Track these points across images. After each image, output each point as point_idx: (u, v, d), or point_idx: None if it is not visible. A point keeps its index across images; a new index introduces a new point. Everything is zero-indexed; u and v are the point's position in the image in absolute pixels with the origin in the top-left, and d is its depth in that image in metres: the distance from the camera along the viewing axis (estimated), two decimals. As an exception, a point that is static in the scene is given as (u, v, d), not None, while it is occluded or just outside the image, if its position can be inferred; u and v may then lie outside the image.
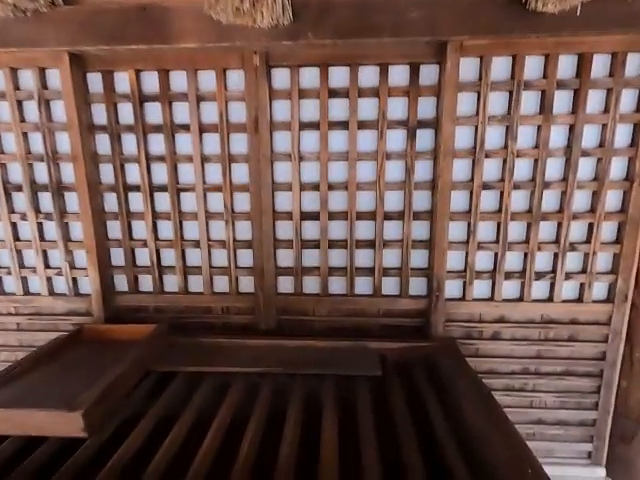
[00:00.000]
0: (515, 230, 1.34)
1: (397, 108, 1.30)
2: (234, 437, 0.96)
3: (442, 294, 1.37)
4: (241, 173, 1.38)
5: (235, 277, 1.46)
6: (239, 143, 1.36)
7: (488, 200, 1.32)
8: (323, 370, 1.22)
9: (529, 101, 1.25)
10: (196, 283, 1.48)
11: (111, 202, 1.44)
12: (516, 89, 1.22)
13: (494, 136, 1.28)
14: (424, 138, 1.31)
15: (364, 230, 1.39)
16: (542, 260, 1.35)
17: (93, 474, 0.83)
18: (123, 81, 1.34)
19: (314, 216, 1.39)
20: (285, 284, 1.46)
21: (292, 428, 0.98)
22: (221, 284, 1.48)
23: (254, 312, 1.47)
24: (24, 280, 1.50)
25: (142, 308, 1.51)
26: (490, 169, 1.30)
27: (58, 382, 1.10)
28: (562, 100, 1.24)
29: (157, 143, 1.38)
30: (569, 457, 1.48)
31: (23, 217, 1.43)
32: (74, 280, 1.48)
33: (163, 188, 1.40)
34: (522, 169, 1.29)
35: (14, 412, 0.92)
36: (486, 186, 1.30)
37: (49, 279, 1.49)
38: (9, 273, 1.48)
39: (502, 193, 1.30)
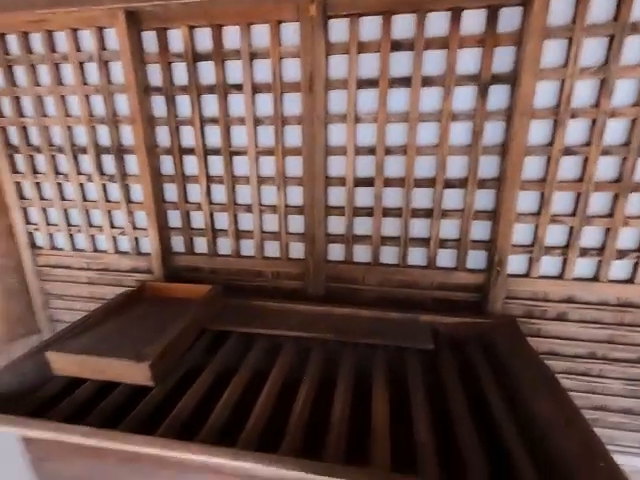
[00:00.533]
0: (598, 201, 1.18)
1: (468, 61, 1.15)
2: (287, 397, 0.99)
3: (504, 269, 1.27)
4: (294, 136, 1.33)
5: (286, 242, 1.45)
6: (292, 104, 1.30)
7: (568, 167, 1.17)
8: (374, 340, 1.20)
9: (633, 48, 1.04)
10: (248, 247, 1.50)
11: (167, 165, 1.46)
12: (619, 33, 1.02)
13: (584, 92, 1.10)
14: (497, 96, 1.16)
15: (421, 198, 1.31)
16: (627, 237, 1.20)
17: (158, 422, 0.90)
18: (177, 40, 1.31)
19: (368, 182, 1.32)
20: (335, 251, 1.43)
21: (343, 394, 0.99)
22: (272, 249, 1.49)
23: (304, 278, 1.47)
24: (92, 238, 1.60)
25: (197, 269, 1.57)
26: (575, 131, 1.14)
27: (126, 333, 1.18)
28: (678, 46, 1.03)
29: (210, 104, 1.35)
30: (632, 447, 1.38)
31: (89, 178, 1.51)
32: (136, 240, 1.57)
33: (216, 151, 1.40)
34: (615, 131, 1.11)
35: (90, 359, 1.01)
36: (568, 151, 1.15)
37: (114, 238, 1.58)
38: (79, 231, 1.59)
39: (587, 159, 1.14)
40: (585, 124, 1.13)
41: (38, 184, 1.57)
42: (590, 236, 1.22)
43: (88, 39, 1.34)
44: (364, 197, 1.35)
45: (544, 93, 1.12)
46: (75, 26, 1.32)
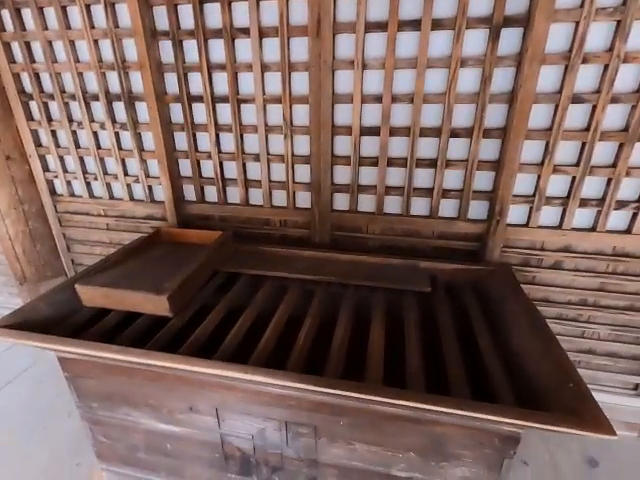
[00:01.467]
0: (602, 152, 1.19)
1: (481, 1, 1.12)
2: (292, 328, 1.09)
3: (504, 219, 1.31)
4: (301, 83, 1.33)
5: (293, 192, 1.50)
6: (300, 49, 1.28)
7: (575, 115, 1.17)
8: (374, 282, 1.28)
9: (656, -14, 1.00)
10: (256, 196, 1.56)
11: (177, 113, 1.49)
12: (641, -31, 0.98)
13: (598, 35, 1.07)
14: (509, 40, 1.13)
15: (426, 148, 1.32)
16: (628, 187, 1.21)
17: (177, 346, 1.01)
18: (182, -21, 1.28)
19: (374, 131, 1.33)
20: (341, 201, 1.48)
21: (344, 326, 1.08)
22: (279, 198, 1.54)
23: (309, 226, 1.53)
24: (108, 186, 1.67)
25: (208, 217, 1.64)
26: (585, 78, 1.12)
27: (145, 271, 1.28)
28: (703, -17, 0.98)
29: (218, 50, 1.35)
30: (613, 387, 1.49)
31: (102, 126, 1.55)
32: (149, 188, 1.63)
33: (224, 99, 1.41)
34: (627, 78, 1.09)
35: (115, 291, 1.12)
36: (576, 99, 1.14)
37: (129, 186, 1.65)
38: (96, 179, 1.66)
39: (594, 107, 1.13)
40: (596, 70, 1.11)
41: (54, 132, 1.62)
42: (591, 186, 1.24)
43: (93, -21, 1.32)
44: (370, 146, 1.37)
45: (557, 36, 1.09)
46: (79, -35, 1.30)
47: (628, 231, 1.26)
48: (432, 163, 1.33)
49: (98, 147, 1.60)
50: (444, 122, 1.26)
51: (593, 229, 1.28)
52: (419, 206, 1.42)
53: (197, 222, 1.65)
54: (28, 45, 1.48)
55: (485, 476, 0.93)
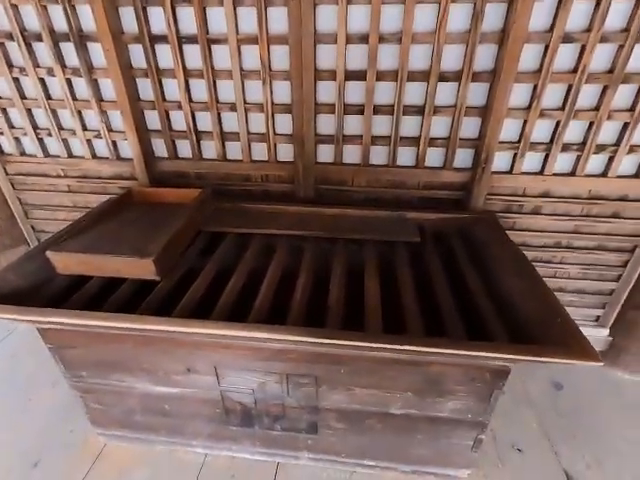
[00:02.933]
0: (586, 95, 1.19)
1: None
2: (287, 285, 1.08)
3: (489, 166, 1.32)
4: (279, 20, 1.20)
5: (274, 144, 1.42)
6: (276, -22, 1.15)
7: (564, 57, 1.15)
8: (363, 235, 1.28)
9: None
10: (234, 150, 1.46)
11: (138, 56, 1.32)
12: None
13: (594, -33, 1.03)
14: (503, -29, 1.06)
15: (414, 94, 1.27)
16: (607, 131, 1.24)
17: (169, 310, 0.97)
18: None
19: (360, 76, 1.25)
20: (325, 153, 1.42)
21: (338, 280, 1.09)
22: (260, 151, 1.45)
23: (293, 181, 1.47)
24: (65, 142, 1.50)
25: (183, 174, 1.53)
26: (577, 15, 1.08)
27: (123, 234, 1.20)
28: None
29: (181, -21, 1.18)
30: (578, 319, 1.62)
31: (50, 72, 1.35)
32: (114, 143, 1.48)
33: (193, 39, 1.26)
34: (616, 15, 1.07)
35: (94, 257, 1.04)
36: (566, 38, 1.11)
37: (89, 141, 1.49)
38: (49, 135, 1.48)
39: (583, 48, 1.12)
40: (587, 7, 1.07)
41: (-9, 80, 1.40)
42: (574, 131, 1.25)
43: None
44: (355, 93, 1.29)
45: (553, -32, 1.03)
46: None
47: (604, 174, 1.31)
48: (419, 110, 1.29)
49: (48, 97, 1.41)
50: (433, 65, 1.20)
51: (572, 174, 1.32)
52: (405, 156, 1.39)
53: (171, 180, 1.54)
54: (-58, -31, 1.23)
55: (475, 407, 1.01)
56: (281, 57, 1.26)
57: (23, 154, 1.55)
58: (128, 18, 1.26)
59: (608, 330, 1.62)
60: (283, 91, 1.32)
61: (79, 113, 1.43)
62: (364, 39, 1.20)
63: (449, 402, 1.02)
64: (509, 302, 0.99)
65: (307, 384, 1.04)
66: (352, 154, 1.41)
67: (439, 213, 1.37)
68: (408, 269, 1.14)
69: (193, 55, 1.29)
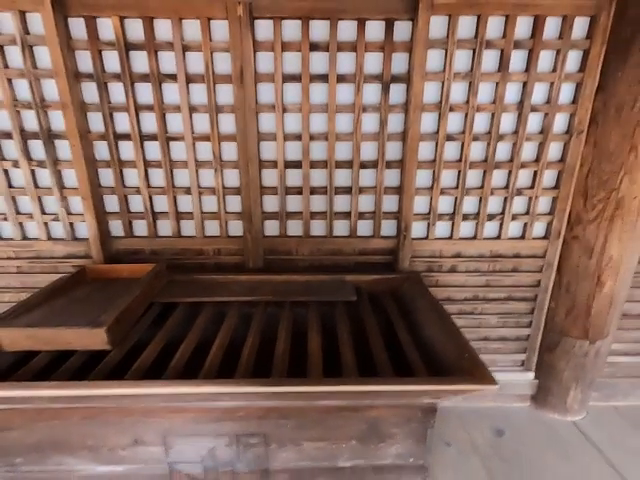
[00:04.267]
0: (472, 178, 1.54)
1: (373, 63, 1.41)
2: (236, 344, 1.16)
3: (409, 234, 1.58)
4: (228, 123, 1.47)
5: (225, 221, 1.60)
6: (225, 94, 1.44)
7: (450, 150, 1.50)
8: (307, 297, 1.42)
9: (489, 59, 1.39)
10: (188, 227, 1.61)
11: (102, 150, 1.50)
12: (479, 47, 1.35)
13: (458, 92, 1.43)
14: (397, 92, 1.44)
15: (342, 177, 1.55)
16: (493, 204, 1.58)
17: (121, 375, 1.01)
18: (107, 28, 1.36)
19: (297, 165, 1.52)
20: (271, 227, 1.62)
21: (284, 338, 1.19)
22: (212, 228, 1.62)
23: (243, 253, 1.63)
24: (21, 226, 1.57)
25: (138, 251, 1.63)
26: (453, 122, 1.46)
27: (74, 309, 1.24)
28: (518, 59, 1.39)
29: (145, 92, 1.43)
30: (507, 366, 1.81)
31: (15, 164, 1.48)
32: (71, 225, 1.58)
33: (153, 137, 1.48)
34: (480, 122, 1.46)
35: (44, 330, 1.07)
36: (449, 138, 1.47)
37: (46, 224, 1.57)
38: (5, 219, 1.55)
39: (463, 144, 1.48)
40: (460, 116, 1.46)
41: (-47, 171, 1.49)
42: (469, 204, 1.58)
43: (8, 22, 1.32)
44: (294, 178, 1.55)
45: (430, 91, 1.42)
46: (-7, 8, 1.30)
47: (499, 237, 1.62)
48: (348, 190, 1.56)
49: (10, 186, 1.52)
50: (354, 156, 1.51)
51: (475, 237, 1.62)
52: (340, 228, 1.63)
53: (126, 257, 1.63)
54: None
55: (414, 449, 1.10)
56: (230, 150, 1.51)
57: (-26, 238, 1.59)
58: (95, 120, 1.46)
59: (533, 373, 1.81)
60: (233, 177, 1.55)
61: (39, 199, 1.54)
62: (298, 137, 1.49)
63: (391, 447, 1.09)
64: (430, 346, 1.15)
65: (257, 444, 1.07)
66: (295, 227, 1.62)
67: (372, 275, 1.57)
68: (346, 324, 1.28)
69: (153, 149, 1.50)
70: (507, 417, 1.77)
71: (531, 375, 1.81)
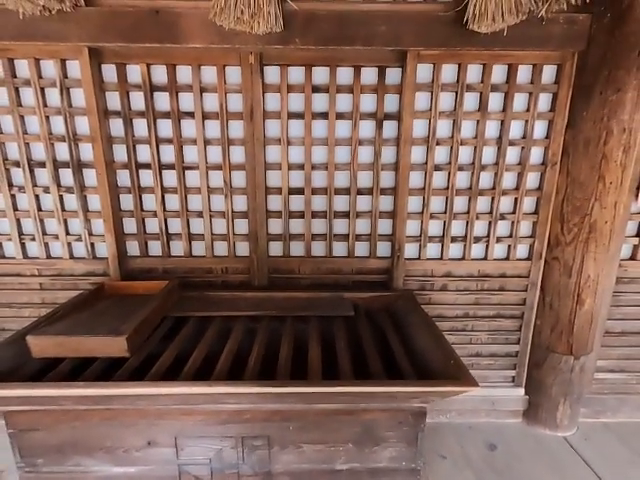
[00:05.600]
0: (459, 203, 1.69)
1: (368, 103, 1.59)
2: (244, 353, 1.27)
3: (402, 255, 1.71)
4: (238, 154, 1.64)
5: (233, 242, 1.74)
6: (236, 129, 1.62)
7: (438, 179, 1.66)
8: (308, 312, 1.54)
9: (470, 100, 1.57)
10: (199, 248, 1.76)
11: (124, 178, 1.67)
12: (460, 90, 1.54)
13: (443, 128, 1.60)
14: (389, 128, 1.62)
15: (341, 203, 1.71)
16: (479, 227, 1.72)
17: (141, 377, 1.12)
18: (135, 72, 1.56)
19: (300, 191, 1.68)
20: (275, 248, 1.76)
21: (287, 347, 1.30)
22: (221, 249, 1.76)
23: (249, 272, 1.76)
24: (47, 245, 1.72)
25: (151, 270, 1.77)
26: (440, 154, 1.63)
27: (96, 320, 1.36)
28: (495, 100, 1.58)
29: (165, 127, 1.61)
30: (499, 382, 1.89)
31: (46, 190, 1.64)
32: (92, 245, 1.72)
33: (171, 166, 1.65)
34: (464, 154, 1.63)
35: (70, 339, 1.19)
36: (437, 168, 1.64)
37: (69, 244, 1.71)
38: (33, 239, 1.70)
39: (449, 173, 1.64)
40: (446, 149, 1.63)
41: (-11, 196, 1.65)
42: (457, 227, 1.72)
43: (50, 67, 1.52)
44: (297, 203, 1.70)
45: (419, 127, 1.60)
46: (39, 56, 1.50)
47: (485, 258, 1.75)
48: (346, 214, 1.71)
49: (39, 209, 1.67)
50: (352, 184, 1.67)
51: (463, 258, 1.75)
52: (339, 249, 1.76)
53: (140, 275, 1.76)
54: (-29, 117, 1.57)
55: (407, 452, 1.18)
56: (240, 178, 1.67)
57: (2, 257, 1.72)
58: (120, 151, 1.64)
59: (524, 389, 1.89)
60: (241, 202, 1.70)
61: (65, 221, 1.69)
62: (301, 167, 1.65)
63: (385, 450, 1.18)
64: (421, 355, 1.26)
65: (260, 446, 1.16)
66: (297, 248, 1.76)
67: (369, 292, 1.69)
68: (344, 337, 1.39)
69: (170, 177, 1.67)
70: (500, 432, 1.83)
71: (521, 391, 1.89)
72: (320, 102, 1.59)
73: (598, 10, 1.41)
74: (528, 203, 1.69)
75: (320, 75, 1.57)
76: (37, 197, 1.66)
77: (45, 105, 1.56)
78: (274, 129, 1.62)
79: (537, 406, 1.85)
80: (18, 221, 1.69)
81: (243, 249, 1.76)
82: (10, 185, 1.64)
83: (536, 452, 1.73)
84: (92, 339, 1.19)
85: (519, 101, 1.58)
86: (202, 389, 1.01)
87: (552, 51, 1.49)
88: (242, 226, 1.73)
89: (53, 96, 1.56)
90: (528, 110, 1.58)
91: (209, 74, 1.57)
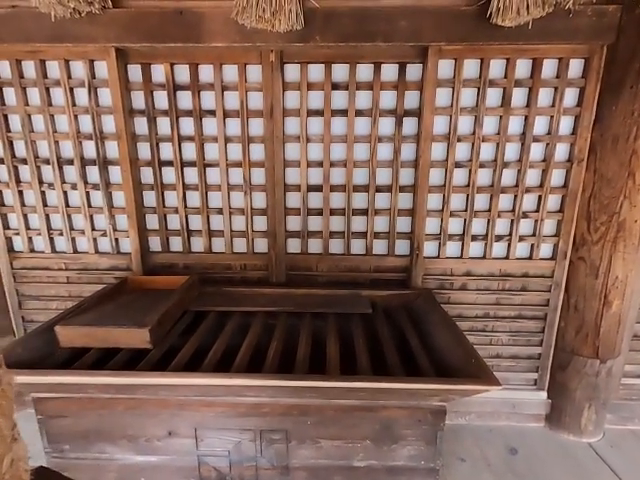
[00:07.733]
0: (480, 201, 1.66)
1: (387, 99, 1.59)
2: (263, 347, 1.28)
3: (421, 253, 1.69)
4: (258, 152, 1.66)
5: (252, 239, 1.76)
6: (256, 126, 1.63)
7: (459, 176, 1.64)
8: (326, 309, 1.54)
9: (493, 96, 1.55)
10: (219, 244, 1.78)
11: (147, 175, 1.71)
12: (482, 86, 1.52)
13: (465, 124, 1.58)
14: (409, 125, 1.60)
15: (359, 200, 1.70)
16: (501, 225, 1.68)
17: (163, 368, 1.14)
18: (159, 72, 1.59)
19: (318, 188, 1.68)
20: (293, 245, 1.77)
21: (304, 343, 1.30)
22: (240, 245, 1.78)
23: (267, 268, 1.78)
24: (73, 240, 1.78)
25: (173, 265, 1.80)
26: (461, 151, 1.61)
27: (120, 312, 1.40)
28: (519, 96, 1.54)
29: (187, 125, 1.65)
30: (520, 384, 1.85)
31: (73, 187, 1.70)
32: (116, 240, 1.77)
33: (192, 164, 1.68)
34: (486, 151, 1.60)
35: (97, 329, 1.23)
36: (458, 165, 1.61)
37: (95, 239, 1.77)
38: (61, 234, 1.76)
39: (470, 171, 1.62)
40: (467, 146, 1.60)
41: (21, 192, 1.72)
42: (477, 226, 1.69)
43: (79, 68, 1.58)
44: (315, 200, 1.71)
45: (439, 124, 1.58)
46: (68, 58, 1.56)
47: (507, 257, 1.71)
48: (364, 212, 1.70)
49: (67, 205, 1.73)
50: (370, 181, 1.66)
51: (484, 257, 1.71)
52: (357, 246, 1.76)
53: (162, 271, 1.80)
54: (5, 117, 1.64)
55: (425, 451, 1.17)
56: (259, 175, 1.69)
57: (32, 251, 1.79)
58: (143, 149, 1.68)
59: (546, 393, 1.84)
60: (260, 199, 1.72)
61: (91, 217, 1.74)
62: (320, 164, 1.66)
63: (403, 449, 1.17)
64: (440, 353, 1.24)
65: (278, 440, 1.17)
66: (315, 246, 1.77)
67: (387, 291, 1.68)
68: (362, 334, 1.39)
69: (191, 174, 1.70)
70: (521, 436, 1.78)
71: (544, 395, 1.84)
72: (339, 99, 1.59)
73: (628, 1, 1.36)
74: (552, 201, 1.64)
75: (340, 72, 1.57)
76: (65, 193, 1.72)
77: (74, 104, 1.62)
78: (293, 126, 1.63)
79: (560, 410, 1.79)
80: (47, 217, 1.75)
81: (262, 246, 1.77)
82: (40, 182, 1.71)
83: (559, 457, 1.68)
84: (117, 330, 1.22)
85: (544, 96, 1.54)
86: (222, 380, 1.02)
87: (579, 44, 1.44)
88: (261, 223, 1.75)
89: (82, 96, 1.62)
90: (553, 105, 1.54)
91: (230, 73, 1.59)
